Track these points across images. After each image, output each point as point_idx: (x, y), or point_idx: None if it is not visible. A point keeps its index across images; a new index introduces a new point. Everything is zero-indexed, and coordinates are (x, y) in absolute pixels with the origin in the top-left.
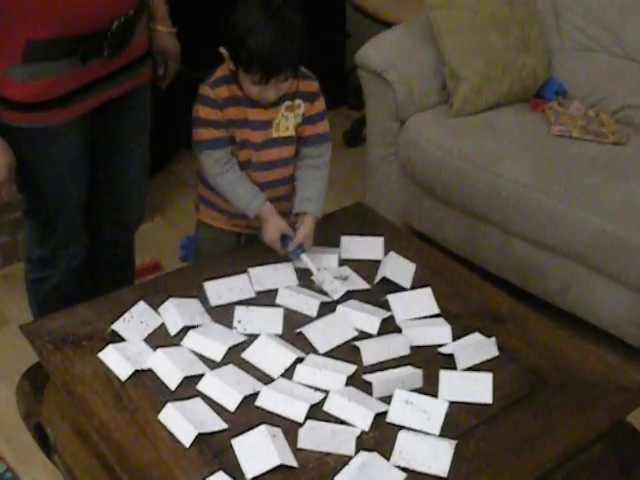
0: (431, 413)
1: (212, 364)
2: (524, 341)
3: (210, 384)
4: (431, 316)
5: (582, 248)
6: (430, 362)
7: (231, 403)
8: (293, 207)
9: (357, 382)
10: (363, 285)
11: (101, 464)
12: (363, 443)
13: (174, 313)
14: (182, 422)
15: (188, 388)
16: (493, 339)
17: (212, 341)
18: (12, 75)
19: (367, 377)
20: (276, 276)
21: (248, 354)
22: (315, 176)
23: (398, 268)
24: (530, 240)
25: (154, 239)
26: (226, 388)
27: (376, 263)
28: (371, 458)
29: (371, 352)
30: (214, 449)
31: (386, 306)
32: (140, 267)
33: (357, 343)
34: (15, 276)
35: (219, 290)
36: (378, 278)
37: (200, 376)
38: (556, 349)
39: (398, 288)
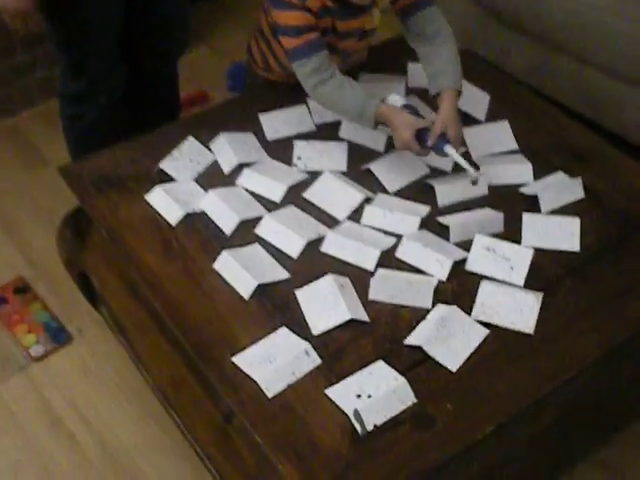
0: (515, 262)
1: (271, 205)
2: (610, 182)
3: (270, 228)
4: (509, 152)
5: None
6: (511, 203)
7: (294, 249)
8: (429, 92)
9: (432, 225)
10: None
11: (152, 318)
12: (441, 294)
13: (227, 149)
14: (240, 271)
15: (245, 233)
16: (579, 179)
17: (270, 179)
18: None
19: (443, 219)
20: None
21: (310, 194)
22: (439, 51)
23: (471, 98)
24: (607, 70)
25: (199, 69)
26: (287, 232)
27: None
28: (450, 312)
29: (446, 192)
30: (276, 301)
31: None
32: (185, 98)
33: (430, 181)
34: (54, 113)
35: (275, 123)
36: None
37: (258, 219)
38: None
39: (472, 121)
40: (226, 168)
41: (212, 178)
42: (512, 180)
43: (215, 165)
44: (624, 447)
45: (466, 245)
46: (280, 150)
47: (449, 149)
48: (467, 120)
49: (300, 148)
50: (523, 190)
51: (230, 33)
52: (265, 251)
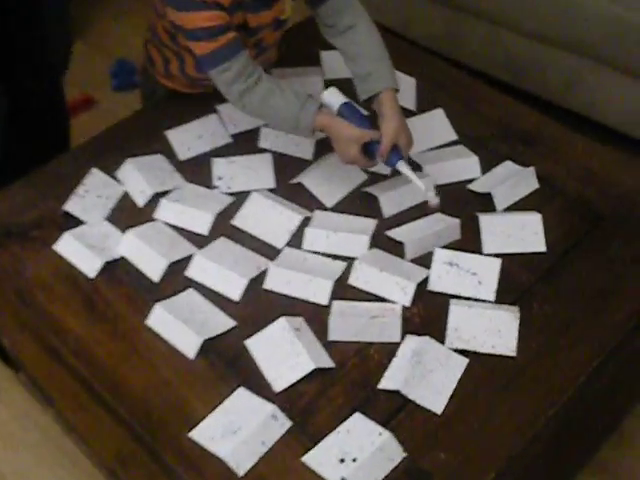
0: (482, 275)
1: (199, 239)
2: (565, 167)
3: (202, 268)
4: (448, 144)
5: (594, 40)
6: (462, 204)
7: (235, 291)
8: (358, 96)
9: (382, 242)
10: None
11: (84, 387)
12: (408, 323)
13: (137, 178)
14: (179, 327)
15: (176, 277)
16: (532, 169)
17: (193, 209)
18: None
19: (394, 234)
20: None
21: (240, 220)
22: (361, 47)
23: None
24: (530, 33)
25: (78, 68)
26: (224, 272)
27: None
28: (423, 343)
29: (391, 200)
30: (226, 357)
31: None
32: (69, 105)
33: (371, 190)
34: None
35: (186, 139)
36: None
37: (187, 259)
38: (603, 173)
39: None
40: (140, 200)
41: (126, 214)
42: (458, 177)
43: (127, 198)
44: (621, 450)
45: (423, 261)
46: (197, 171)
47: (403, 167)
48: None
49: (219, 167)
50: (473, 187)
51: (108, 28)
52: (202, 296)
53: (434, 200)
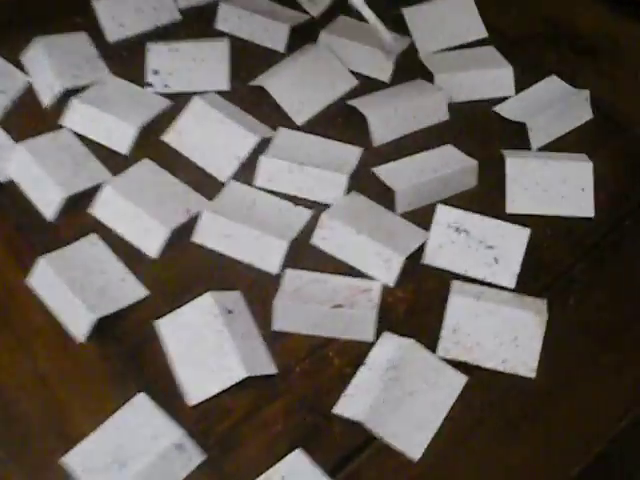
0: (501, 249)
1: (115, 161)
2: (635, 92)
3: (113, 207)
4: (473, 44)
5: None
6: (482, 135)
7: (152, 243)
8: None
9: (366, 182)
10: None
11: None
12: (387, 314)
13: (46, 65)
14: (65, 295)
15: (77, 215)
16: (586, 92)
17: (111, 116)
18: None
19: (382, 173)
20: None
21: (173, 137)
22: None
23: None
24: None
25: None
26: (140, 215)
27: None
28: (405, 351)
29: (383, 121)
30: (127, 343)
31: (400, 27)
32: None
33: (358, 104)
34: None
35: (119, 11)
36: None
37: (96, 189)
38: None
39: None
40: (45, 98)
41: (26, 117)
42: (482, 93)
43: (31, 93)
44: None
45: (421, 218)
46: (128, 60)
47: None
48: None
49: (156, 55)
50: (501, 111)
51: None
52: (108, 248)
53: (389, 41)
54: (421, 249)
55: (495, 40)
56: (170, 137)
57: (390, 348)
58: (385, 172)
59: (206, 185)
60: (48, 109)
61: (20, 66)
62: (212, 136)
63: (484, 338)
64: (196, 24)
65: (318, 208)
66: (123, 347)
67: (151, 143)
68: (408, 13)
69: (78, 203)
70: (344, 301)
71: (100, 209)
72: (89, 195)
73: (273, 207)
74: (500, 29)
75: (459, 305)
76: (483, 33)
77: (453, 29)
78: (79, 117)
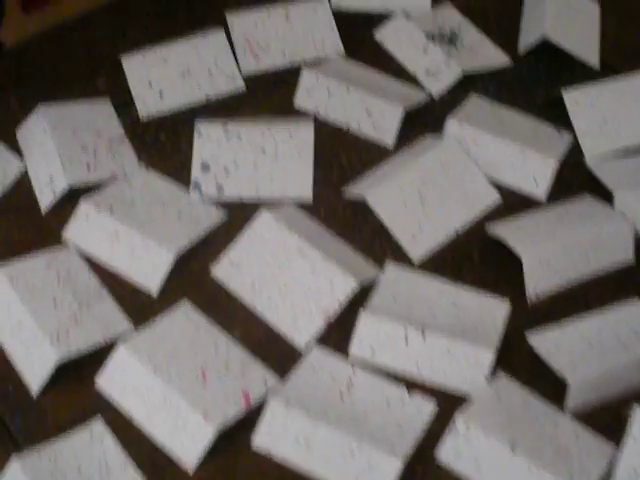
0: None
1: (138, 303)
2: None
3: (129, 378)
4: None
5: None
6: None
7: (191, 453)
8: None
9: (515, 358)
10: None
11: None
12: None
13: (48, 148)
14: None
15: (74, 388)
16: None
17: (140, 235)
18: None
19: (539, 344)
20: None
21: (226, 269)
22: None
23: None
24: None
25: None
26: (174, 399)
27: None
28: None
29: (543, 262)
30: None
31: (558, 116)
32: None
33: (500, 230)
34: None
35: (157, 74)
36: None
37: (107, 349)
38: None
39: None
40: (44, 197)
41: (15, 224)
42: None
43: (26, 185)
44: None
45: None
46: (167, 145)
47: None
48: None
49: (208, 142)
50: None
51: None
52: (120, 451)
53: None
54: None
55: None
56: (221, 270)
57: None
58: (546, 346)
59: (275, 351)
60: (45, 212)
61: (15, 145)
62: (286, 274)
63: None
64: (267, 98)
65: (445, 399)
66: None
67: (193, 276)
68: (570, 98)
69: (80, 369)
70: None
71: (109, 381)
72: (96, 358)
73: (375, 394)
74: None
75: None
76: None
77: (633, 122)
78: (90, 230)
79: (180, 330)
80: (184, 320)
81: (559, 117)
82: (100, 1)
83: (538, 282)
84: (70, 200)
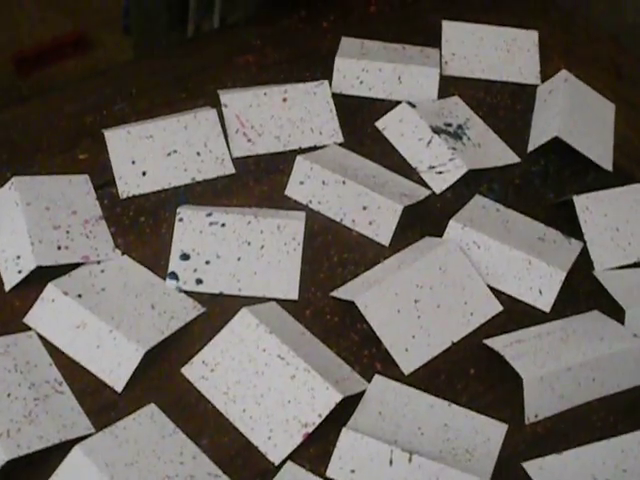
0: None
1: (102, 402)
2: None
3: None
4: None
5: None
6: None
7: None
8: None
9: None
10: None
11: None
12: None
13: (16, 224)
14: None
15: None
16: None
17: (108, 327)
18: None
19: (534, 472)
20: None
21: (198, 370)
22: None
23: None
24: None
25: None
26: None
27: None
28: None
29: (546, 385)
30: None
31: (569, 224)
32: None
33: (501, 347)
34: None
35: (141, 151)
36: None
37: (62, 453)
38: None
39: None
40: (8, 275)
41: None
42: None
43: None
44: None
45: None
46: (147, 229)
47: None
48: None
49: (190, 228)
50: None
51: None
52: None
53: None
54: None
55: None
56: (193, 371)
57: None
58: (545, 477)
59: (246, 465)
60: (8, 292)
61: None
62: (264, 382)
63: None
64: (257, 185)
65: None
66: None
67: (163, 374)
68: (581, 203)
69: (33, 469)
70: None
71: None
72: (50, 456)
73: None
74: None
75: None
76: None
77: None
78: (55, 317)
79: (144, 435)
80: (149, 424)
81: (568, 220)
82: (90, 67)
83: (539, 407)
84: (40, 279)
